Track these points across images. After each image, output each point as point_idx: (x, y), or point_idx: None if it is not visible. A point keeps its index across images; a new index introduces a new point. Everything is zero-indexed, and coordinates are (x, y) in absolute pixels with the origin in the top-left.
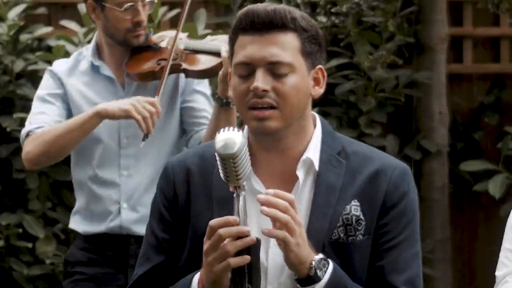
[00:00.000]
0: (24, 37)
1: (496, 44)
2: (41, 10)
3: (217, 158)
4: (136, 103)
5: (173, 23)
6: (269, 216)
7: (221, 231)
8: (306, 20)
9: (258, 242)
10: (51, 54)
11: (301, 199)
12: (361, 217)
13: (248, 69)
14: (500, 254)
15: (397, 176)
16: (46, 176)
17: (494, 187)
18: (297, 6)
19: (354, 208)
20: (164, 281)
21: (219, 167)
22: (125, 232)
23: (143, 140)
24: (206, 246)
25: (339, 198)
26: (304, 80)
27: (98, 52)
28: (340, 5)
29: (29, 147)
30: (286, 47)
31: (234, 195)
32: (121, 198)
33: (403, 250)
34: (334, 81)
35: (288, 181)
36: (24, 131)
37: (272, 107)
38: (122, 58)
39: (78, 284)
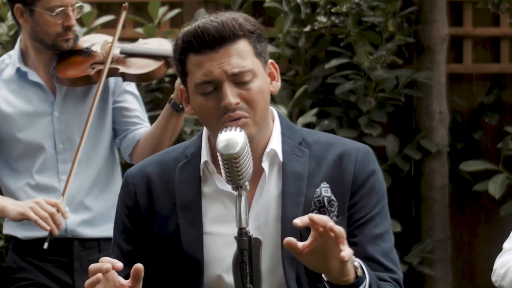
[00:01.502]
0: None
1: (496, 44)
2: None
3: (219, 158)
4: (34, 205)
5: (173, 23)
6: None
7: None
8: (250, 21)
9: (258, 242)
10: None
11: (268, 191)
12: (333, 198)
13: (212, 86)
14: (501, 254)
15: (362, 157)
16: None
17: (494, 187)
18: (297, 6)
19: (324, 190)
20: None
21: (221, 167)
22: (70, 235)
23: (47, 240)
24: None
25: (308, 184)
26: (265, 80)
27: (23, 58)
28: (340, 5)
29: None
30: (242, 55)
31: (236, 195)
32: (64, 202)
33: (376, 224)
34: (334, 81)
35: (254, 177)
36: None
37: (244, 118)
38: (49, 63)
39: None
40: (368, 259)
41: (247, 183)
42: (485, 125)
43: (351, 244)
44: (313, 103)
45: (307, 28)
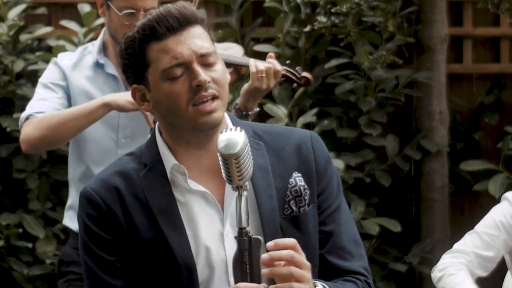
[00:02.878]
0: (24, 37)
1: (496, 44)
2: (41, 10)
3: (219, 158)
4: None
5: None
6: (275, 277)
7: None
8: (197, 11)
9: (258, 242)
10: (51, 54)
11: None
12: (306, 186)
13: (181, 69)
14: (470, 231)
15: (316, 143)
16: (46, 176)
17: (494, 187)
18: (297, 6)
19: (298, 179)
20: None
21: (221, 167)
22: None
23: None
24: None
25: (274, 176)
26: (223, 65)
27: (103, 49)
28: (340, 5)
29: (29, 130)
30: (203, 38)
31: (236, 195)
32: None
33: (342, 211)
34: (334, 81)
35: (218, 175)
36: (24, 115)
37: (214, 97)
38: None
39: (72, 283)
40: (340, 248)
41: (247, 183)
42: (485, 125)
43: (325, 234)
44: (313, 103)
45: (307, 28)
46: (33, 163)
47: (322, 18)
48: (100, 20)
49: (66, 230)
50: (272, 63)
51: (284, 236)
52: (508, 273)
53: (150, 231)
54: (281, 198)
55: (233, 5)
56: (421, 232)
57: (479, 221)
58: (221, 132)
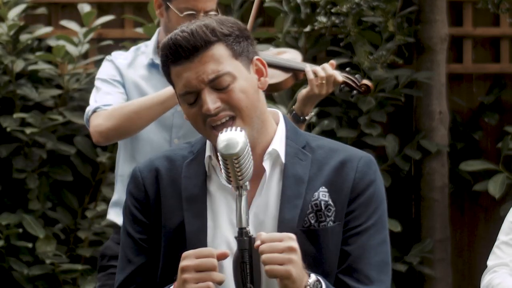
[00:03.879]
0: (24, 37)
1: (496, 44)
2: (41, 10)
3: (220, 158)
4: None
5: None
6: (269, 274)
7: (215, 261)
8: (225, 23)
9: None
10: (51, 54)
11: (268, 191)
12: (330, 202)
13: (193, 96)
14: (495, 245)
15: (363, 165)
16: (46, 176)
17: (494, 187)
18: (297, 6)
19: (322, 194)
20: (148, 281)
21: (221, 167)
22: None
23: None
24: (188, 261)
25: (308, 188)
26: (248, 80)
27: (158, 49)
28: (340, 5)
29: (100, 121)
30: (218, 60)
31: (237, 195)
32: None
33: (371, 236)
34: None
35: (255, 176)
36: (90, 108)
37: (231, 117)
38: None
39: (112, 277)
40: (357, 270)
41: (247, 183)
42: (485, 125)
43: (345, 253)
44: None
45: (307, 28)
46: (33, 163)
47: (322, 18)
48: (101, 20)
49: (66, 230)
50: (333, 72)
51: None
52: None
53: (175, 215)
54: (305, 210)
55: (233, 5)
56: (421, 232)
57: (479, 221)
58: (221, 132)
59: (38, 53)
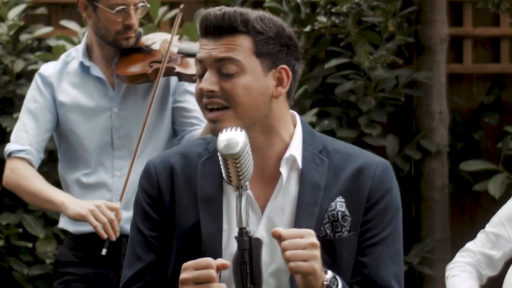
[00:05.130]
0: (24, 37)
1: (496, 44)
2: (41, 10)
3: (219, 158)
4: (95, 208)
5: (173, 23)
6: (294, 271)
7: (214, 272)
8: (265, 21)
9: (259, 242)
10: (51, 54)
11: (285, 195)
12: (347, 213)
13: (201, 69)
14: (481, 231)
15: (380, 173)
16: (46, 176)
17: (494, 187)
18: (297, 6)
19: (339, 205)
20: (157, 280)
21: (222, 167)
22: (120, 232)
23: (104, 247)
24: (187, 274)
25: (324, 196)
26: (259, 81)
27: (88, 52)
28: (340, 5)
29: (7, 173)
30: (236, 48)
31: (237, 195)
32: (113, 198)
33: (387, 246)
34: (334, 81)
35: (271, 180)
36: (7, 148)
37: (224, 107)
38: (112, 58)
39: (69, 284)
40: (372, 281)
41: (247, 183)
42: (485, 125)
43: (360, 264)
44: (313, 103)
45: (307, 28)
46: None
47: (322, 18)
48: None
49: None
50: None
51: None
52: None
53: (190, 215)
54: (321, 219)
55: (233, 5)
56: (421, 232)
57: (479, 221)
58: (221, 132)
59: (38, 53)
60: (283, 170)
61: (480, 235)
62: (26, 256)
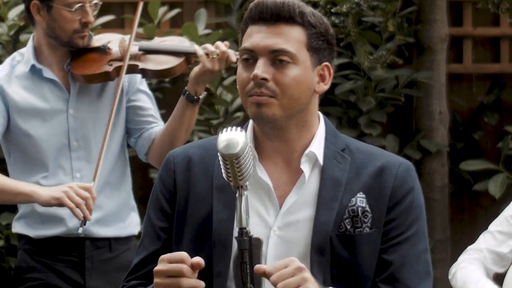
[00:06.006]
0: (24, 37)
1: (496, 44)
2: None
3: (220, 158)
4: (68, 190)
5: (173, 23)
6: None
7: (185, 268)
8: (317, 16)
9: (259, 242)
10: None
11: (305, 192)
12: (367, 209)
13: (251, 56)
14: (483, 233)
15: (402, 172)
16: None
17: (494, 187)
18: None
19: (359, 200)
20: None
21: (222, 167)
22: (83, 234)
23: (81, 226)
24: (162, 266)
25: (345, 192)
26: (307, 74)
27: (36, 55)
28: (340, 5)
29: None
30: (290, 39)
31: (237, 195)
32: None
33: (413, 245)
34: (334, 81)
35: (292, 173)
36: None
37: (270, 97)
38: (63, 60)
39: None
40: (398, 280)
41: (247, 183)
42: (485, 125)
43: (385, 262)
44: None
45: None
46: None
47: None
48: (101, 20)
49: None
50: (226, 49)
51: (332, 252)
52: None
53: (204, 204)
54: (341, 214)
55: (233, 5)
56: None
57: (479, 221)
58: (222, 132)
59: None
60: (305, 167)
61: (484, 235)
62: None
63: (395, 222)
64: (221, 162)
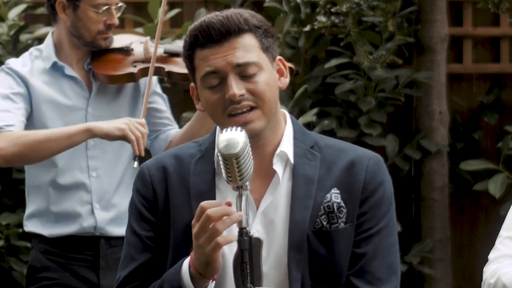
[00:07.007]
0: (24, 37)
1: (496, 44)
2: (41, 10)
3: (220, 158)
4: (129, 122)
5: (173, 23)
6: None
7: (209, 211)
8: (256, 17)
9: (259, 242)
10: None
11: (279, 192)
12: (342, 204)
13: (217, 78)
14: (497, 241)
15: (373, 165)
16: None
17: (494, 186)
18: (297, 6)
19: (334, 196)
20: (153, 279)
21: (222, 167)
22: (98, 233)
23: (134, 160)
24: (195, 228)
25: (318, 189)
26: (272, 75)
27: (56, 52)
28: (340, 5)
29: (3, 144)
30: (247, 48)
31: (237, 195)
32: (93, 199)
33: (384, 237)
34: (334, 81)
35: (265, 175)
36: None
37: (252, 108)
38: (83, 59)
39: None
40: (369, 272)
41: (247, 183)
42: (485, 125)
43: (357, 256)
44: (313, 103)
45: (307, 28)
46: None
47: (322, 18)
48: None
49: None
50: None
51: (310, 249)
52: None
53: (185, 212)
54: (316, 211)
55: (233, 5)
56: (421, 232)
57: (479, 221)
58: (222, 132)
59: None
60: (277, 167)
61: (502, 243)
62: (26, 256)
63: (368, 215)
64: (221, 162)
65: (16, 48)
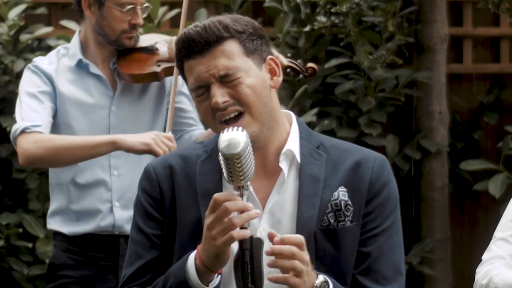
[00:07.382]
0: (24, 37)
1: (496, 44)
2: (41, 10)
3: (221, 157)
4: (155, 137)
5: (173, 23)
6: (277, 267)
7: (228, 204)
8: (239, 21)
9: (260, 242)
10: None
11: (285, 190)
12: (349, 202)
13: (203, 90)
14: (491, 242)
15: (378, 166)
16: (46, 176)
17: (494, 186)
18: (297, 6)
19: (342, 194)
20: (158, 277)
21: (223, 167)
22: (117, 231)
23: None
24: (210, 219)
25: (324, 187)
26: (258, 77)
27: (82, 50)
28: (340, 5)
29: (29, 146)
30: (229, 56)
31: (238, 195)
32: (113, 197)
33: (389, 237)
34: (334, 81)
35: (271, 175)
36: (17, 126)
37: (240, 113)
38: (109, 57)
39: (66, 287)
40: (375, 271)
41: (248, 183)
42: (485, 125)
43: (363, 254)
44: (313, 103)
45: (307, 28)
46: None
47: (322, 18)
48: None
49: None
50: (277, 54)
51: (316, 246)
52: None
53: (191, 211)
54: (323, 209)
55: (233, 5)
56: (421, 232)
57: (479, 221)
58: (223, 132)
59: (38, 53)
60: (283, 165)
61: (496, 244)
62: (26, 256)
63: (373, 215)
64: (222, 162)
65: (16, 48)
